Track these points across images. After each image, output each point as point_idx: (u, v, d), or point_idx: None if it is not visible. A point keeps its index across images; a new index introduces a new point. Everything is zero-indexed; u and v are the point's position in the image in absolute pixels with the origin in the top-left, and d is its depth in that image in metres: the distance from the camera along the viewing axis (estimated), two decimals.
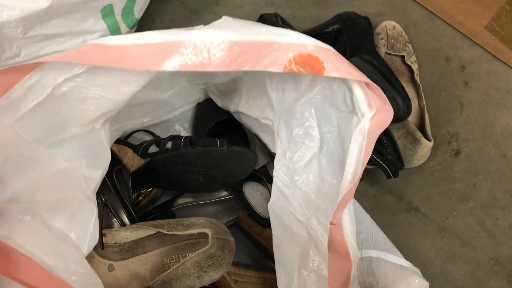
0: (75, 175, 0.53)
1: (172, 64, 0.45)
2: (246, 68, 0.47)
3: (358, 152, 0.51)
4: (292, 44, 0.48)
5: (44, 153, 0.52)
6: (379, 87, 0.49)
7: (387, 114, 0.50)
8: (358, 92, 0.50)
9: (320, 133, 0.60)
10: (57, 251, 0.49)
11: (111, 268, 0.59)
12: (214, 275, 0.54)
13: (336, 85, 0.54)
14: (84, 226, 0.52)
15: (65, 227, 0.52)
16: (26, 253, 0.47)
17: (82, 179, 0.53)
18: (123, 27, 0.77)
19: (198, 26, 0.51)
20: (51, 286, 0.47)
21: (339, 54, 0.49)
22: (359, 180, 0.51)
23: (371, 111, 0.50)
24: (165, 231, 0.56)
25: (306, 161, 0.61)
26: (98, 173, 0.55)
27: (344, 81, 0.53)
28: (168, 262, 0.58)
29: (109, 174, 0.61)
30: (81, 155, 0.54)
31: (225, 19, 0.52)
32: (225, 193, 0.77)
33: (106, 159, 0.56)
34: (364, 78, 0.48)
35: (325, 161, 0.62)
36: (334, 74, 0.47)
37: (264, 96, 0.63)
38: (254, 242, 0.72)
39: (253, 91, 0.65)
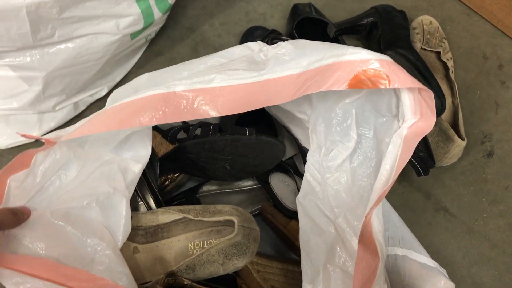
0: (112, 168, 0.55)
1: (242, 107, 0.47)
2: (310, 92, 0.48)
3: (394, 156, 0.52)
4: (355, 61, 0.49)
5: (91, 151, 0.55)
6: (431, 93, 0.49)
7: (429, 122, 0.51)
8: (406, 99, 0.51)
9: (357, 135, 0.59)
10: (80, 245, 0.50)
11: (135, 250, 0.59)
12: (238, 263, 0.53)
13: (385, 90, 0.54)
14: (116, 219, 0.53)
15: (97, 220, 0.52)
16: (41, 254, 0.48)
17: (118, 173, 0.55)
18: (156, 11, 0.77)
19: (260, 59, 0.51)
20: (70, 277, 0.47)
21: (397, 64, 0.49)
22: (393, 183, 0.50)
23: (413, 118, 0.51)
24: (191, 217, 0.55)
25: (341, 160, 0.61)
26: (138, 167, 0.56)
27: None
28: (192, 247, 0.58)
29: None
30: (127, 149, 0.57)
31: (284, 46, 0.52)
32: (250, 182, 0.77)
33: (147, 155, 0.57)
34: (420, 84, 0.49)
35: (357, 162, 0.62)
36: (397, 85, 0.48)
37: None
38: (278, 233, 0.71)
39: None
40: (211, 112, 0.46)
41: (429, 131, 0.51)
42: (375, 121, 0.59)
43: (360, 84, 0.49)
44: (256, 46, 0.58)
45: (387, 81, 0.48)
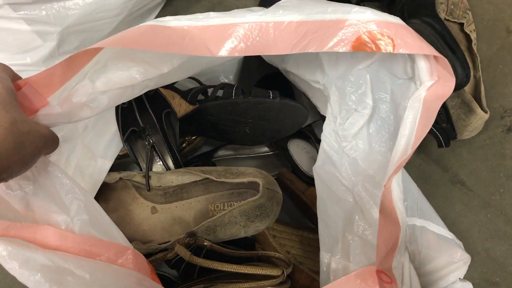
0: None
1: (237, 49, 0.44)
2: (312, 49, 0.45)
3: (413, 120, 0.49)
4: (360, 21, 0.45)
5: None
6: (446, 59, 0.47)
7: (448, 84, 0.48)
8: (421, 61, 0.48)
9: (373, 100, 0.58)
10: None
11: (154, 210, 0.59)
12: (260, 226, 0.53)
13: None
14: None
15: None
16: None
17: None
18: None
19: (258, 8, 0.49)
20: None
21: (408, 27, 0.46)
22: (414, 150, 0.49)
23: (431, 80, 0.48)
24: (213, 178, 0.54)
25: (358, 128, 0.60)
26: None
27: None
28: (212, 209, 0.57)
29: (158, 116, 0.59)
30: None
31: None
32: (266, 149, 0.76)
33: None
34: (433, 51, 0.46)
35: (375, 128, 0.60)
36: (403, 51, 0.45)
37: (314, 58, 0.61)
38: (295, 199, 0.70)
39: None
40: (200, 49, 0.43)
41: (450, 93, 0.48)
42: (392, 84, 0.56)
43: (364, 46, 0.46)
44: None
45: (391, 46, 0.45)
